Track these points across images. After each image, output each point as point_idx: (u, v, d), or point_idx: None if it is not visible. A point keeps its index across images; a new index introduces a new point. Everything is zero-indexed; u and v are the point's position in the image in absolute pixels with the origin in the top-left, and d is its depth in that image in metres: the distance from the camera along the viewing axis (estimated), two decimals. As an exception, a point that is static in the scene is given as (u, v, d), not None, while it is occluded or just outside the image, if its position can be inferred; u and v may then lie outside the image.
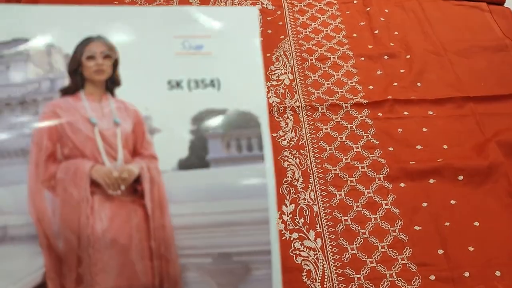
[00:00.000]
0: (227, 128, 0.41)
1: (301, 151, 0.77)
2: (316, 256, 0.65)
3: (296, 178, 0.73)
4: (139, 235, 0.43)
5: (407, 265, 0.64)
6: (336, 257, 0.65)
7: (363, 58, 0.89)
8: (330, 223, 0.69)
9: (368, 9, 0.98)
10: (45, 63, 0.42)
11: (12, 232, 0.43)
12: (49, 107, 0.40)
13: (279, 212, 0.69)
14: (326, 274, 0.63)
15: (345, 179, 0.73)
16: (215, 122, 0.41)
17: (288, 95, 0.84)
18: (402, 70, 0.88)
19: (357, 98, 0.83)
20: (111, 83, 0.42)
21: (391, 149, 0.77)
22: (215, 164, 0.41)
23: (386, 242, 0.66)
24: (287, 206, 0.70)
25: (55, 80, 0.43)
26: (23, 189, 0.42)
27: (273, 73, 0.88)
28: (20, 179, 0.44)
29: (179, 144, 0.41)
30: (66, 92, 0.41)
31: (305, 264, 0.64)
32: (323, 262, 0.64)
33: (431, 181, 0.73)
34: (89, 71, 0.41)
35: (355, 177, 0.73)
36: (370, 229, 0.68)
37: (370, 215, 0.69)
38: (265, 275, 0.41)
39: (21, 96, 0.44)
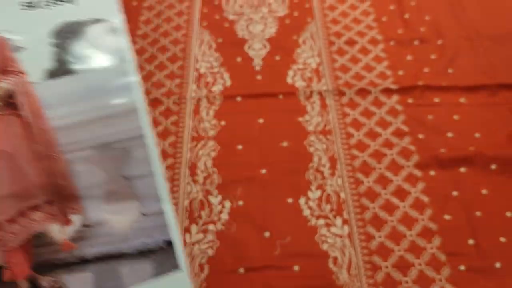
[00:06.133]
0: (87, 38, 0.45)
1: (328, 137, 0.75)
2: (342, 243, 0.64)
3: (323, 164, 0.72)
4: (22, 141, 0.45)
5: (436, 254, 0.63)
6: (363, 244, 0.64)
7: (392, 43, 0.86)
8: (357, 210, 0.67)
9: (398, -8, 0.94)
10: None
11: None
12: None
13: (305, 197, 0.68)
14: (352, 261, 0.62)
15: (373, 166, 0.72)
16: (74, 32, 0.44)
17: (314, 79, 0.82)
18: (433, 56, 0.85)
19: (387, 84, 0.81)
20: None
21: (421, 136, 0.75)
22: (81, 70, 0.45)
23: (415, 230, 0.65)
24: (313, 192, 0.69)
25: None
26: None
27: (299, 56, 0.85)
28: None
29: (45, 57, 0.44)
30: None
31: (331, 251, 0.63)
32: (350, 249, 0.63)
33: (462, 169, 0.71)
34: None
35: (383, 164, 0.72)
36: (398, 217, 0.66)
37: (398, 203, 0.68)
38: (143, 155, 0.45)
39: None
